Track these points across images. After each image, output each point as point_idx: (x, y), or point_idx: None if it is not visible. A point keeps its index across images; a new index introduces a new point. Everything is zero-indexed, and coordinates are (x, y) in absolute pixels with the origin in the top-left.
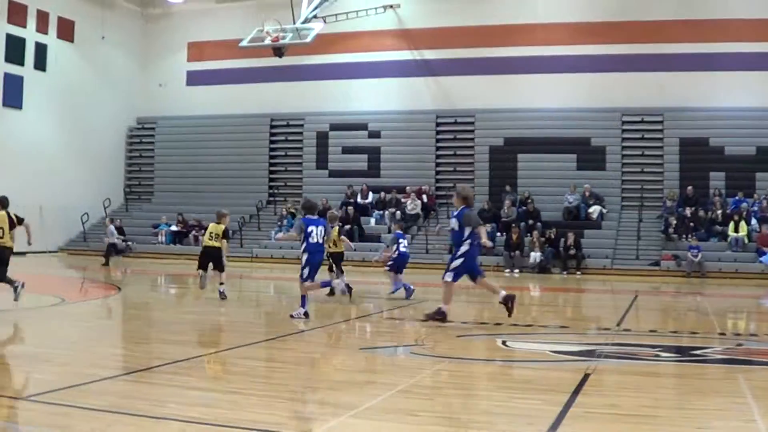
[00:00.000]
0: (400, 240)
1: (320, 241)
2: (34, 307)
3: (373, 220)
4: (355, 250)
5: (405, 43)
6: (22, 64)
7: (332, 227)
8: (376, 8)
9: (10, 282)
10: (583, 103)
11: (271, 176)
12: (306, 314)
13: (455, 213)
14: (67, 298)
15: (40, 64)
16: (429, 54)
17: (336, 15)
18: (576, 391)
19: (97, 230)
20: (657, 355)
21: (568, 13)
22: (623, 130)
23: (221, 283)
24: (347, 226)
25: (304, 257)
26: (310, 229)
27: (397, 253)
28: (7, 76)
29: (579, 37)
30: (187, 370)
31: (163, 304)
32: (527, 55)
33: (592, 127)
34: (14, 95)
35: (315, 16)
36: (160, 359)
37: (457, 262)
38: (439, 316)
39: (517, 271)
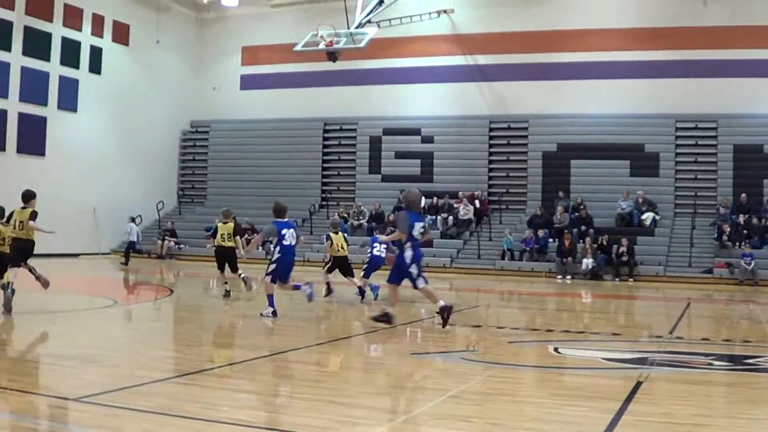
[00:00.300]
0: (374, 244)
1: (293, 243)
2: (87, 309)
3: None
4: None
5: (459, 49)
6: (77, 67)
7: (336, 233)
8: (430, 13)
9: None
10: (636, 109)
11: (324, 180)
12: (274, 313)
13: None
14: (119, 300)
15: (95, 67)
16: (483, 59)
17: (390, 20)
18: (628, 399)
19: (150, 232)
20: (710, 364)
21: (622, 19)
22: (677, 137)
23: (240, 275)
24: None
25: (277, 257)
26: (283, 231)
27: (370, 256)
28: (62, 79)
29: (633, 43)
30: (237, 373)
31: (215, 306)
32: (581, 61)
33: (645, 133)
34: (69, 98)
35: (369, 21)
36: (211, 362)
37: (414, 269)
38: (446, 313)
39: (569, 277)
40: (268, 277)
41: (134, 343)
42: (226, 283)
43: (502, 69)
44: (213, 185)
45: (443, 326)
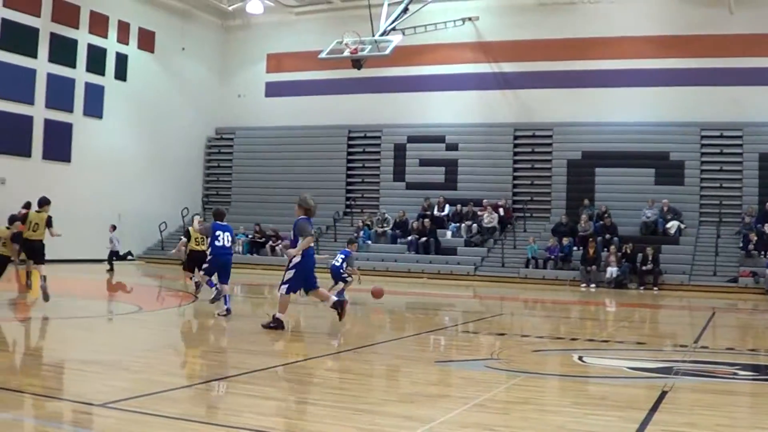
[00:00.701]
0: (338, 256)
1: (226, 244)
2: (111, 315)
3: (449, 233)
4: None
5: (483, 56)
6: (102, 74)
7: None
8: (454, 21)
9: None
10: (661, 117)
11: (349, 188)
12: (228, 311)
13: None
14: (144, 306)
15: (121, 74)
16: (507, 67)
17: (414, 27)
18: (653, 409)
19: (174, 239)
20: (735, 374)
21: (647, 27)
22: (702, 145)
23: (195, 281)
24: (423, 239)
25: (209, 258)
26: (217, 233)
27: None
28: (88, 85)
29: (658, 51)
30: (261, 380)
31: (239, 313)
32: (606, 69)
33: (670, 141)
34: (95, 105)
35: (394, 29)
36: (236, 369)
37: (290, 274)
38: (274, 323)
39: (593, 285)
40: (205, 275)
41: (159, 349)
42: (197, 282)
43: (526, 76)
44: (237, 192)
45: (263, 326)
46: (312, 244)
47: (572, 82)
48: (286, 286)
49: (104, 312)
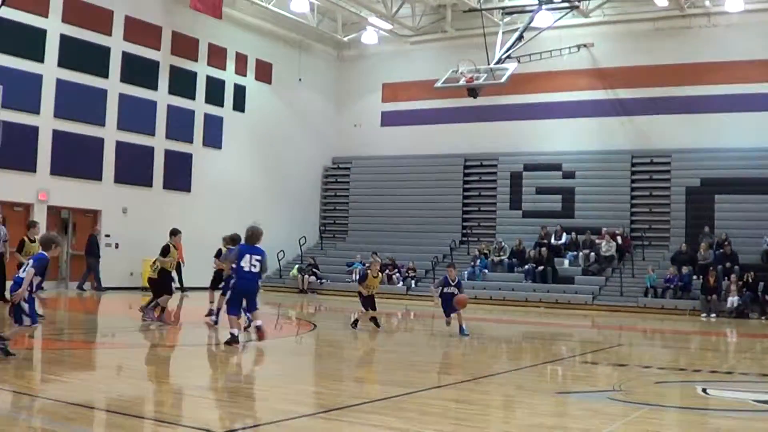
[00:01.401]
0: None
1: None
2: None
3: (566, 262)
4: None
5: (599, 83)
6: (221, 105)
7: (375, 276)
8: (569, 48)
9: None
10: None
11: (465, 216)
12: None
13: None
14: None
15: (239, 105)
16: (623, 93)
17: (530, 55)
18: None
19: (292, 267)
20: None
21: (765, 50)
22: None
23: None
24: (540, 267)
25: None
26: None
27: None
28: (207, 116)
29: None
30: (381, 409)
31: (357, 341)
32: (724, 93)
33: None
34: (214, 135)
35: (509, 56)
36: (357, 398)
37: (229, 295)
38: (231, 339)
39: (713, 315)
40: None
41: (279, 377)
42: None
43: (643, 103)
44: (354, 221)
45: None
46: (251, 269)
47: (690, 107)
48: (227, 307)
49: (223, 339)
